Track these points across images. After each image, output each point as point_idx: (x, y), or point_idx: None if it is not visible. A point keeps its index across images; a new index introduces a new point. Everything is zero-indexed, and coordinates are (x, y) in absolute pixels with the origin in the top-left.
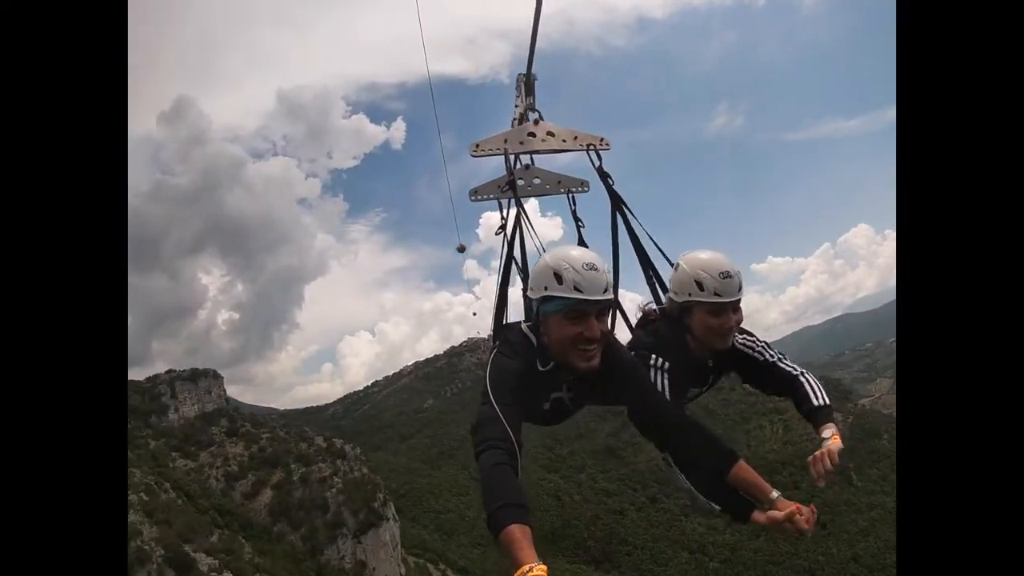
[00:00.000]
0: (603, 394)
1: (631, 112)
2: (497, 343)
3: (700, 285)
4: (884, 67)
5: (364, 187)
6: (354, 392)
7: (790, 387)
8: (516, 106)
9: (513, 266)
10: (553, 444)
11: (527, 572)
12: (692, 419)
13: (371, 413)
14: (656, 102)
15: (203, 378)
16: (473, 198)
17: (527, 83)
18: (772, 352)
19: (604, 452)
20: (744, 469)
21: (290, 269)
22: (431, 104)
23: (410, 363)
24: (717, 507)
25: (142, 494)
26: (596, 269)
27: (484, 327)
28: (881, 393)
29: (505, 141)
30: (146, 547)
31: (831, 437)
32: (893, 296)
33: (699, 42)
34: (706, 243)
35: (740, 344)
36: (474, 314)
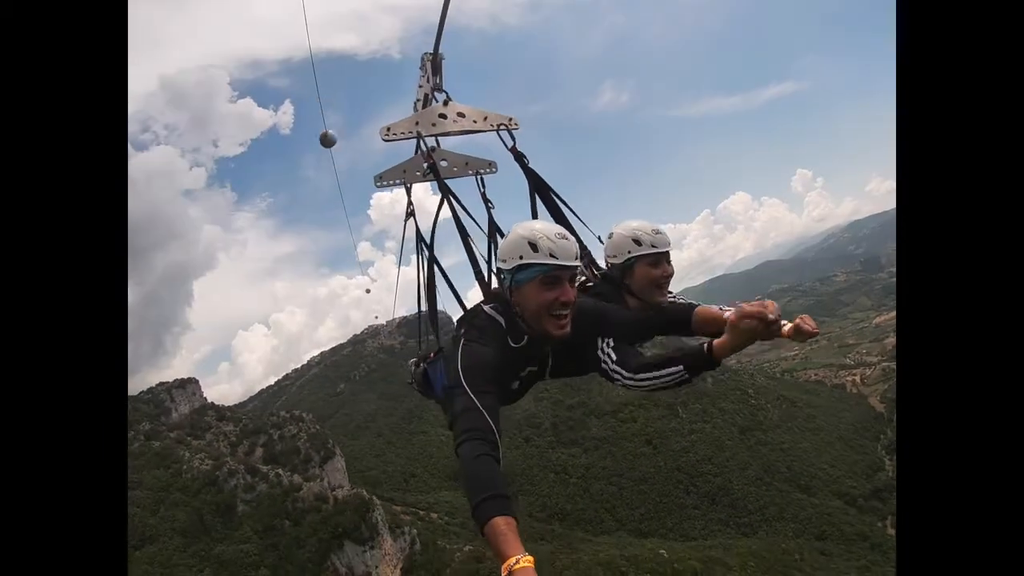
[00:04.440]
0: (568, 362)
1: (520, 88)
2: (463, 331)
3: (637, 242)
4: (762, 48)
5: (250, 172)
6: (268, 387)
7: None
8: (420, 86)
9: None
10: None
11: (514, 564)
12: (646, 312)
13: (290, 403)
14: (545, 79)
15: (188, 384)
16: (378, 184)
17: (434, 62)
18: (692, 303)
19: None
20: (701, 312)
21: (178, 266)
22: (325, 83)
23: (316, 354)
24: (678, 368)
25: (202, 454)
26: (567, 238)
27: (383, 314)
28: None
29: (416, 124)
30: (231, 467)
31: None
32: (767, 257)
33: (588, 23)
34: (594, 213)
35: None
36: (376, 317)
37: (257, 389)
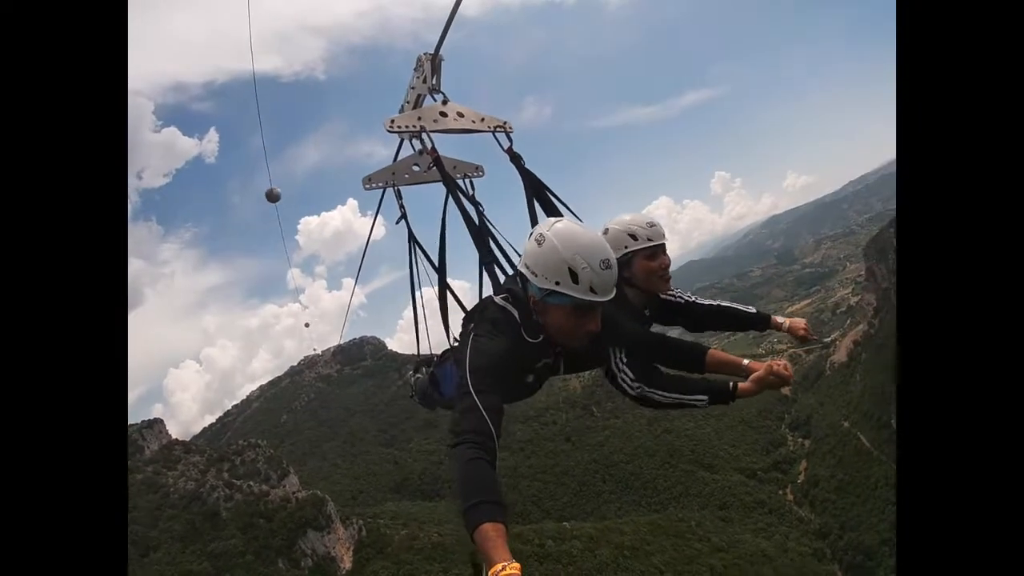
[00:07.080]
0: (578, 357)
1: None
2: (472, 325)
3: (634, 236)
4: (675, 59)
5: (175, 203)
6: (211, 424)
7: (718, 314)
8: (412, 87)
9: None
10: (386, 427)
11: (500, 571)
12: (657, 335)
13: (234, 437)
14: (468, 96)
15: (155, 424)
16: (367, 186)
17: (433, 63)
18: (688, 295)
19: (424, 425)
20: (715, 354)
21: None
22: (248, 106)
23: (254, 388)
24: (704, 397)
25: (184, 477)
26: (611, 267)
27: (319, 342)
28: None
29: (419, 119)
30: (212, 483)
31: (786, 320)
32: (691, 258)
33: (510, 39)
34: (518, 226)
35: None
36: (306, 325)
37: (197, 429)
